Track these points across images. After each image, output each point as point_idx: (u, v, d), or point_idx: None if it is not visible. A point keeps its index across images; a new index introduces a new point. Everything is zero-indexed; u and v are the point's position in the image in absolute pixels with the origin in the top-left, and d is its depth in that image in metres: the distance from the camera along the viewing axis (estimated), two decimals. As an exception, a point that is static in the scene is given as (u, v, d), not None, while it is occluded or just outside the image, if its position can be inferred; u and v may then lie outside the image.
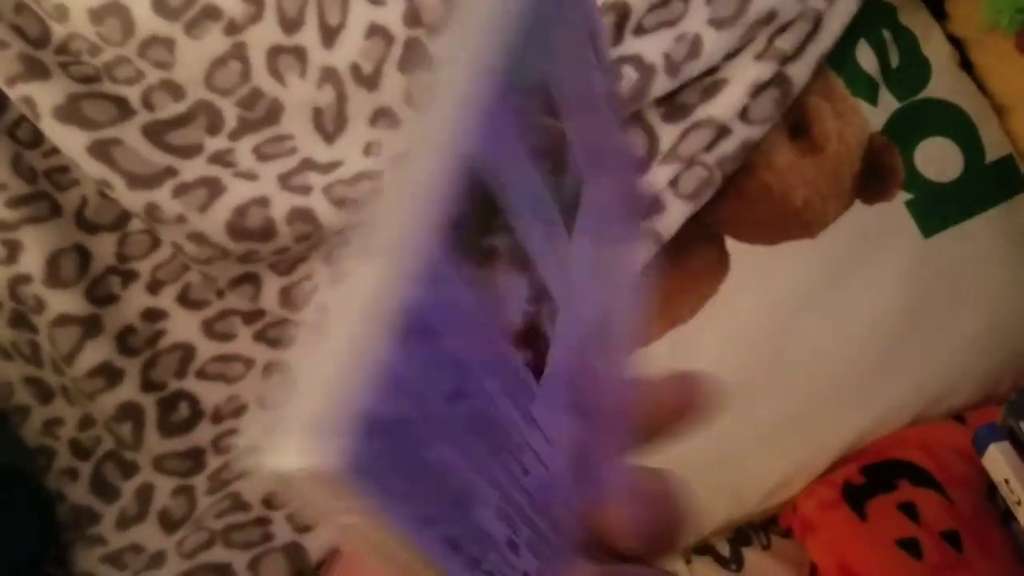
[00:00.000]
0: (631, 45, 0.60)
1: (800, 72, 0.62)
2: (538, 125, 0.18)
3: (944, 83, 0.66)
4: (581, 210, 0.21)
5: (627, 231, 0.24)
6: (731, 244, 0.62)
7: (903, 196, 0.64)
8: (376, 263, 0.13)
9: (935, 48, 0.67)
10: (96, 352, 0.64)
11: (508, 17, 0.15)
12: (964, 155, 0.65)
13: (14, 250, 0.63)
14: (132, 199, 0.61)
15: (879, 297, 0.62)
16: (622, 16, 0.60)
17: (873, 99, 0.65)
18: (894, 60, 0.66)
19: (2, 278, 0.63)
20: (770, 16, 0.60)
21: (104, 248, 0.66)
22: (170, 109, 0.63)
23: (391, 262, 0.13)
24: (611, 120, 0.23)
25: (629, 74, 0.60)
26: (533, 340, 0.19)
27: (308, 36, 0.60)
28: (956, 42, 0.69)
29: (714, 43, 0.60)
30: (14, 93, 0.60)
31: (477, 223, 0.15)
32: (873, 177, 0.64)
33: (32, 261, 0.63)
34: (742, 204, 0.63)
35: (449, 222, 0.14)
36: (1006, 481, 0.56)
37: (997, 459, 0.57)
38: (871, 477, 0.61)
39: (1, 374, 0.66)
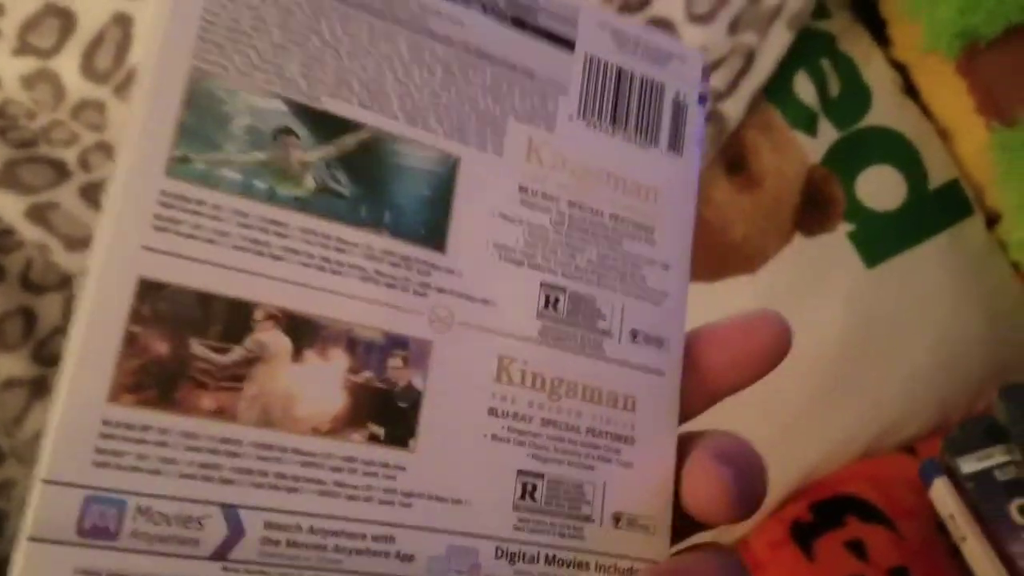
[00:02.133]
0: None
1: (734, 108, 0.62)
2: None
3: (885, 110, 0.66)
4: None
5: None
6: (673, 282, 0.62)
7: (845, 227, 0.63)
8: None
9: (876, 74, 0.67)
10: (42, 415, 0.64)
11: None
12: (907, 182, 0.64)
13: None
14: (71, 261, 0.62)
15: (824, 330, 0.62)
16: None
17: (812, 130, 0.64)
18: (833, 89, 0.65)
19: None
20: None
21: (50, 309, 0.66)
22: (106, 169, 0.63)
23: None
24: None
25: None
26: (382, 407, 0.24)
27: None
28: (900, 67, 0.69)
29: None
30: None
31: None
32: (813, 209, 0.63)
33: (-24, 326, 0.63)
34: (683, 241, 0.62)
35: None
36: (952, 516, 0.56)
37: (942, 494, 0.57)
38: (819, 514, 0.60)
39: (-47, 439, 0.66)
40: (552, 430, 0.26)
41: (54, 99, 0.61)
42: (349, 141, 0.25)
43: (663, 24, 0.60)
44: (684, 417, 0.28)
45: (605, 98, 0.28)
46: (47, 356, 0.65)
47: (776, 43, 0.62)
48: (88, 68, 0.60)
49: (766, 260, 0.62)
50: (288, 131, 0.24)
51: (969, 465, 0.52)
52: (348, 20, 0.25)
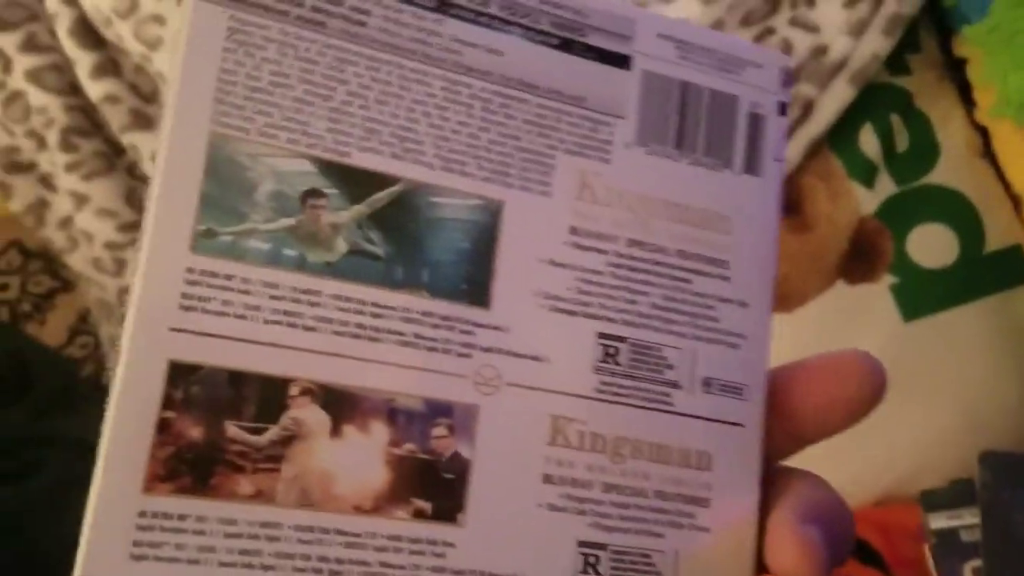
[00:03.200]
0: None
1: (789, 153, 0.65)
2: None
3: (952, 169, 0.66)
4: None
5: None
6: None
7: (888, 279, 0.65)
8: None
9: (951, 134, 0.68)
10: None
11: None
12: (960, 242, 0.65)
13: (121, 266, 0.77)
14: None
15: (852, 376, 0.64)
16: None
17: (870, 182, 0.66)
18: (901, 144, 0.67)
19: (114, 288, 0.78)
20: (754, 102, 0.64)
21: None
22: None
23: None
24: None
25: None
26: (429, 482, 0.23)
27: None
28: (983, 130, 0.69)
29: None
30: (125, 140, 0.74)
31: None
32: (859, 259, 0.65)
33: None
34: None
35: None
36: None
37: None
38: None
39: (114, 364, 0.81)
40: (616, 496, 0.24)
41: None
42: (381, 197, 0.23)
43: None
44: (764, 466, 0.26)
45: (668, 119, 0.26)
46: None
47: (836, 97, 0.65)
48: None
49: (804, 302, 0.65)
50: (316, 193, 0.23)
51: (938, 522, 0.54)
52: (376, 66, 0.24)
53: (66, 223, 0.78)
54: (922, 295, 0.64)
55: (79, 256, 0.79)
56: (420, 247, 0.24)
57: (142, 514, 0.21)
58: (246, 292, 0.22)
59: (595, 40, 0.25)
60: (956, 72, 0.70)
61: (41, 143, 0.76)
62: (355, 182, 0.23)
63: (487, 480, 0.23)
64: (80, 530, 0.21)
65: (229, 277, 0.22)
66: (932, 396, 0.63)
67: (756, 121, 0.26)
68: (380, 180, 0.23)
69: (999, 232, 0.65)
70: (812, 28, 0.65)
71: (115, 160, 0.77)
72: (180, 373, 0.21)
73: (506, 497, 0.23)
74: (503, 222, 0.24)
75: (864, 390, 0.25)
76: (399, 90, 0.24)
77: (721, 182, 0.26)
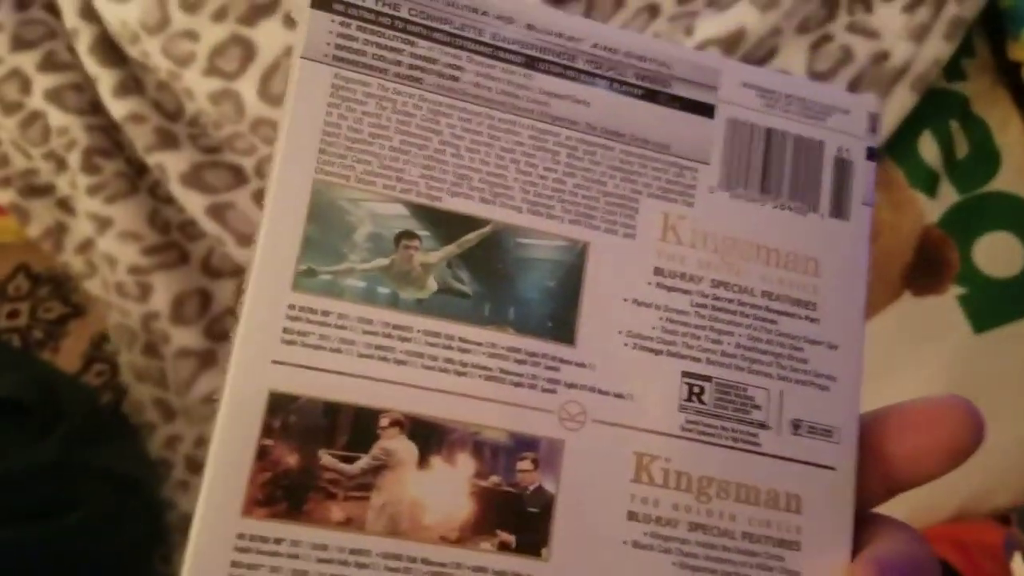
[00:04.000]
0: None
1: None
2: None
3: (1014, 175, 0.65)
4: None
5: None
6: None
7: (956, 290, 0.63)
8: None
9: (1010, 139, 0.66)
10: (210, 382, 0.74)
11: None
12: (1027, 251, 0.64)
13: (146, 291, 0.74)
14: (241, 254, 0.71)
15: (922, 390, 0.62)
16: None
17: (932, 191, 0.65)
18: (960, 151, 0.66)
19: (137, 314, 0.75)
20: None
21: (225, 292, 0.76)
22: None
23: None
24: None
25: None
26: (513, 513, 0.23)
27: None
28: (1041, 132, 0.68)
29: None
30: (150, 160, 0.71)
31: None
32: (925, 270, 0.64)
33: (161, 301, 0.73)
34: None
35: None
36: (1025, 592, 0.56)
37: (1020, 568, 0.56)
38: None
39: (136, 394, 0.78)
40: (702, 535, 0.24)
41: (236, 114, 0.70)
42: (471, 238, 0.24)
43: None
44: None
45: (752, 164, 0.26)
46: (217, 332, 0.75)
47: (898, 104, 0.63)
48: (264, 91, 0.69)
49: (872, 315, 0.64)
50: (410, 235, 0.24)
51: (1034, 541, 0.52)
52: (467, 117, 0.25)
53: (85, 247, 0.75)
54: (992, 306, 0.63)
55: (98, 281, 0.76)
56: (507, 286, 0.24)
57: (241, 536, 0.22)
58: (342, 327, 0.23)
59: (680, 90, 0.26)
60: (1009, 76, 0.69)
61: (60, 165, 0.73)
62: (446, 224, 0.24)
63: (571, 515, 0.23)
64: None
65: (327, 313, 0.23)
66: (1006, 409, 0.62)
67: (843, 166, 0.27)
68: (470, 222, 0.24)
69: (1065, 239, 0.64)
70: (872, 34, 0.63)
71: (137, 181, 0.74)
72: (279, 403, 0.23)
73: (590, 532, 0.23)
74: (589, 262, 0.25)
75: (961, 438, 0.24)
76: (489, 139, 0.25)
77: (808, 225, 0.26)
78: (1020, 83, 0.68)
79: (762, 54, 0.64)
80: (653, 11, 0.66)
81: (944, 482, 0.62)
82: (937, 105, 0.65)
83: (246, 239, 0.71)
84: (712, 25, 0.62)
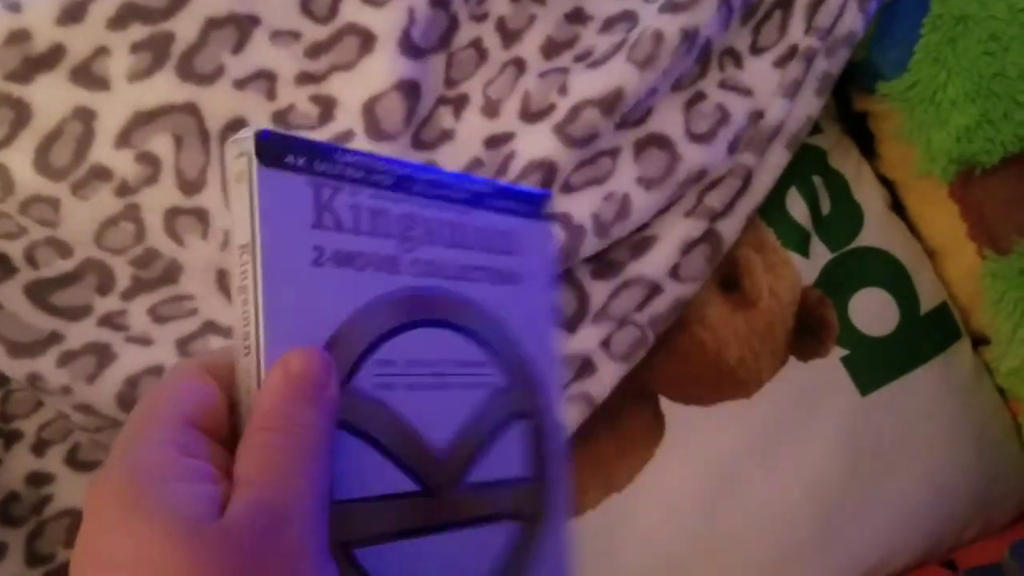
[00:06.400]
0: (559, 202, 0.57)
1: (730, 227, 0.60)
2: None
3: (877, 230, 0.65)
4: None
5: None
6: (666, 405, 0.59)
7: (839, 351, 0.62)
8: None
9: (866, 192, 0.66)
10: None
11: None
12: (899, 306, 0.63)
13: None
14: (13, 368, 0.56)
15: (817, 459, 0.60)
16: (549, 173, 0.56)
17: (805, 250, 0.62)
18: (825, 207, 0.64)
19: None
20: (700, 174, 0.58)
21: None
22: (56, 267, 0.57)
23: None
24: None
25: (558, 233, 0.56)
26: None
27: (209, 198, 0.55)
28: (887, 182, 0.68)
29: (643, 202, 0.57)
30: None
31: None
32: (807, 333, 0.62)
33: None
34: (676, 362, 0.60)
35: None
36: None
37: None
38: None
39: None
40: None
41: (2, 192, 0.55)
42: None
43: (662, 142, 0.58)
44: None
45: None
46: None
47: (774, 163, 0.60)
48: (42, 163, 0.54)
49: (761, 385, 0.60)
50: None
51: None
52: None
53: None
54: (874, 365, 0.62)
55: None
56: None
57: None
58: None
59: None
60: (853, 126, 0.69)
61: None
62: None
63: None
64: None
65: None
66: (895, 469, 0.61)
67: None
68: None
69: (928, 291, 0.64)
70: (745, 91, 0.60)
71: None
72: None
73: None
74: None
75: None
76: None
77: None
78: (866, 133, 0.68)
79: (639, 115, 0.59)
80: (520, 66, 0.59)
81: (855, 546, 0.60)
82: (800, 160, 0.63)
83: (19, 348, 0.55)
84: (587, 84, 0.56)
